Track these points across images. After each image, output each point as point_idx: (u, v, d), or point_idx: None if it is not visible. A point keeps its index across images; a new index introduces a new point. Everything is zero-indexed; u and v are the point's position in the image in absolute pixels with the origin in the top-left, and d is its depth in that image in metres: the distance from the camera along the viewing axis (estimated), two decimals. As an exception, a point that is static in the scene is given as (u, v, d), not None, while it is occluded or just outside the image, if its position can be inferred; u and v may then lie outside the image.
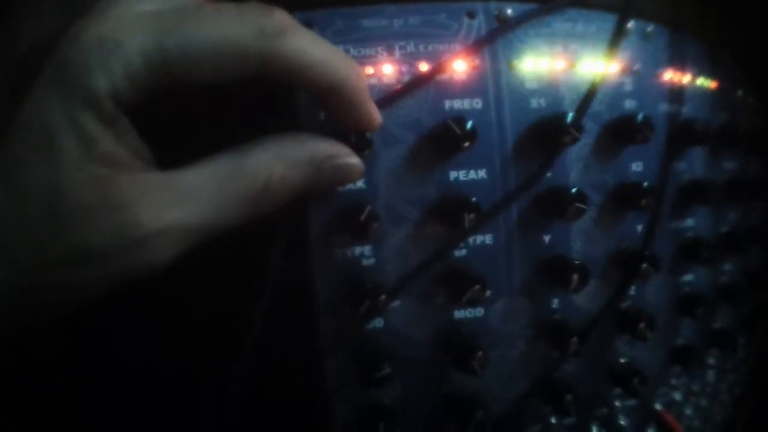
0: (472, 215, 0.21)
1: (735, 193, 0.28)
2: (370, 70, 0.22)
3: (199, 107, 0.23)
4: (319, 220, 0.22)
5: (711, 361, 0.30)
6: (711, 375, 0.30)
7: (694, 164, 0.27)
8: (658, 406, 0.28)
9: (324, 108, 0.21)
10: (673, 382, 0.28)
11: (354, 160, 0.20)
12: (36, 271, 0.16)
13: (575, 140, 0.22)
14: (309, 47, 0.18)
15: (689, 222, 0.26)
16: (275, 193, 0.18)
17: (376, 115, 0.20)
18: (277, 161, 0.18)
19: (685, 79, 0.26)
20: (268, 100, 0.23)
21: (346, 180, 0.20)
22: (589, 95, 0.23)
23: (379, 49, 0.22)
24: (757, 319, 0.31)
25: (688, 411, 0.30)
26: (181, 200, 0.17)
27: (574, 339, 0.23)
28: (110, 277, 0.17)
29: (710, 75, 0.28)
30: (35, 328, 0.18)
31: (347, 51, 0.22)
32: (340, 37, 0.22)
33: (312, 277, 0.22)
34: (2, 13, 0.22)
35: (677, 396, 0.28)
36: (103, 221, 0.16)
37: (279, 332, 0.24)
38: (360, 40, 0.22)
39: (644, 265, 0.24)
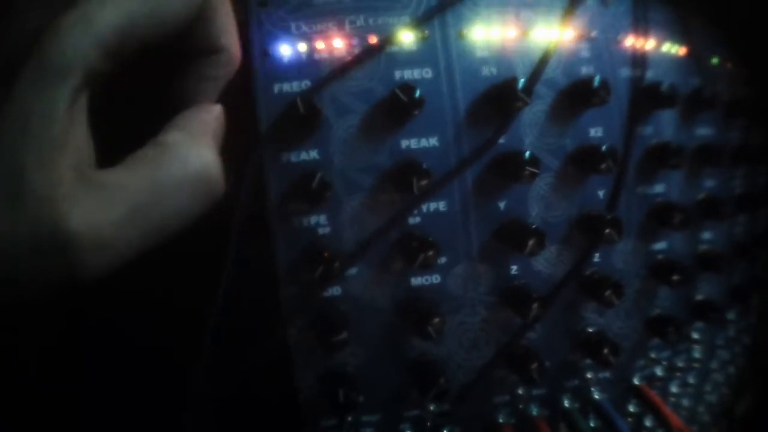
0: (423, 181, 0.21)
1: (711, 159, 0.27)
2: (321, 44, 0.23)
3: (158, 96, 0.24)
4: (277, 192, 0.23)
5: (696, 335, 0.29)
6: (698, 351, 0.29)
7: (662, 129, 0.26)
8: (636, 381, 0.27)
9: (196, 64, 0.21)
10: (653, 355, 0.27)
11: (217, 106, 0.21)
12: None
13: (526, 104, 0.22)
14: None
15: (659, 188, 0.26)
16: (216, 172, 0.19)
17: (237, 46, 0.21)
18: (199, 143, 0.19)
19: (649, 44, 0.26)
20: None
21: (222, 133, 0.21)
22: (542, 62, 0.23)
23: (330, 24, 0.23)
24: (748, 293, 0.30)
25: (674, 388, 0.29)
26: (110, 205, 0.17)
27: (535, 305, 0.23)
28: (48, 276, 0.16)
29: (679, 41, 0.27)
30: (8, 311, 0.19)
31: (299, 27, 0.23)
32: (293, 14, 0.23)
33: (273, 248, 0.23)
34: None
35: (659, 371, 0.28)
36: (42, 211, 0.16)
37: (244, 306, 0.25)
38: (311, 16, 0.23)
39: (607, 230, 0.23)
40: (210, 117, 0.21)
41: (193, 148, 0.19)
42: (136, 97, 0.23)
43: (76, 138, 0.18)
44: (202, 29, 0.20)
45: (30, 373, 0.31)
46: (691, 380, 0.29)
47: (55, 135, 0.17)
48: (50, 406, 0.30)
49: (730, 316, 0.30)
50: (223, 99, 0.24)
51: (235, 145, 0.23)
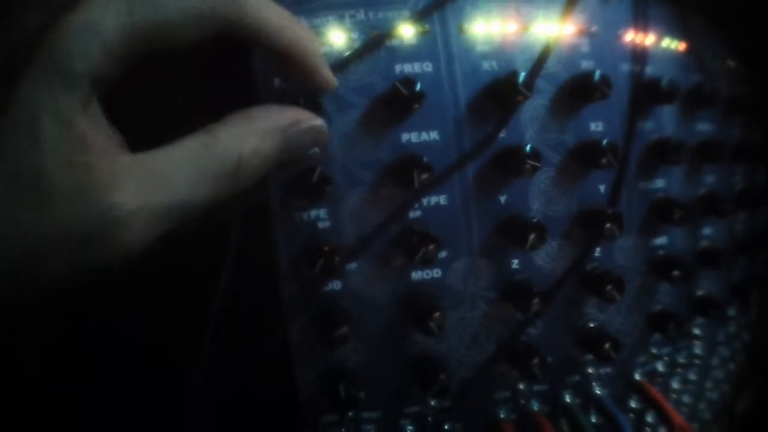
0: (423, 175, 0.21)
1: (711, 155, 0.27)
2: (321, 38, 0.23)
3: (165, 90, 0.24)
4: (279, 186, 0.23)
5: (697, 331, 0.29)
6: (699, 347, 0.29)
7: (663, 124, 0.26)
8: (638, 376, 0.27)
9: (283, 72, 0.22)
10: (654, 351, 0.27)
11: (318, 122, 0.21)
12: (17, 258, 0.17)
13: (526, 99, 0.22)
14: (266, 9, 0.19)
15: (659, 183, 0.26)
16: (249, 166, 0.19)
17: (331, 79, 0.21)
18: (246, 135, 0.19)
19: (649, 40, 0.26)
20: (225, 72, 0.24)
21: (313, 143, 0.21)
22: (542, 56, 0.23)
23: (330, 18, 0.23)
24: (748, 290, 0.30)
25: (675, 384, 0.29)
26: (153, 181, 0.18)
27: (536, 300, 0.22)
28: (86, 262, 0.17)
29: (679, 37, 0.27)
30: (14, 314, 0.19)
31: (300, 22, 0.23)
32: (294, 9, 0.23)
33: (274, 244, 0.23)
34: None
35: (660, 367, 0.28)
36: (77, 205, 0.17)
37: (245, 305, 0.25)
38: (312, 11, 0.23)
39: (608, 225, 0.23)
40: (272, 120, 0.20)
41: (229, 139, 0.19)
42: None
43: (94, 133, 0.18)
44: (241, 28, 0.19)
45: (30, 373, 0.31)
46: (692, 377, 0.29)
47: (69, 135, 0.17)
48: (50, 406, 0.30)
49: (731, 312, 0.30)
50: (222, 94, 0.24)
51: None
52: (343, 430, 0.24)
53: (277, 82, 0.22)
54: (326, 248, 0.22)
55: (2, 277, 0.17)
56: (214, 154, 0.19)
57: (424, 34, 0.23)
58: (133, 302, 0.29)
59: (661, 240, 0.26)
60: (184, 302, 0.27)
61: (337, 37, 0.23)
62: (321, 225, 0.23)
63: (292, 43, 0.19)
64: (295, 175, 0.22)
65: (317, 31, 0.23)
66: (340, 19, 0.23)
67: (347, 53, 0.22)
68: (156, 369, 0.29)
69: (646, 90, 0.25)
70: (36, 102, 0.17)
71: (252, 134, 0.19)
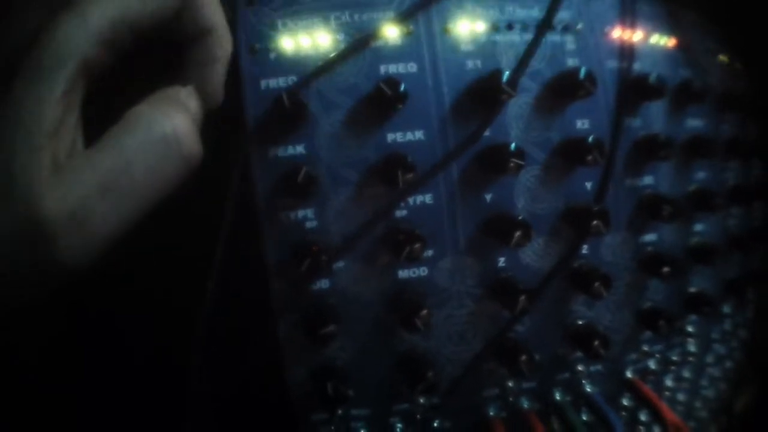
0: (408, 175, 0.22)
1: (702, 151, 0.27)
2: (307, 40, 0.23)
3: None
4: (265, 187, 0.23)
5: (691, 329, 0.28)
6: (692, 344, 0.29)
7: (651, 121, 0.26)
8: (629, 374, 0.27)
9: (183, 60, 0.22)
10: (646, 348, 0.27)
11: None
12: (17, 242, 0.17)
13: (511, 97, 0.22)
14: None
15: (647, 179, 0.26)
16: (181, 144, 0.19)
17: (221, 90, 0.22)
18: (152, 104, 0.19)
19: (637, 36, 0.26)
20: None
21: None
22: (526, 54, 0.23)
23: (316, 20, 0.23)
24: (743, 286, 0.29)
25: (669, 382, 0.29)
26: (79, 178, 0.17)
27: (522, 297, 0.23)
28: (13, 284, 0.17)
29: (668, 32, 0.27)
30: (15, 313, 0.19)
31: (285, 24, 0.23)
32: (279, 11, 0.23)
33: (262, 244, 0.23)
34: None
35: (652, 364, 0.27)
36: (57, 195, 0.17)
37: (235, 302, 0.25)
38: (297, 13, 0.23)
39: (594, 222, 0.23)
40: (179, 92, 0.21)
41: (159, 113, 0.19)
42: (135, 90, 0.23)
43: (66, 128, 0.18)
44: (188, 14, 0.20)
45: (30, 373, 0.31)
46: (686, 374, 0.29)
47: (45, 129, 0.17)
48: (50, 406, 0.30)
49: (726, 309, 0.30)
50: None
51: (224, 141, 0.24)
52: (333, 428, 0.24)
53: (263, 84, 0.23)
54: (314, 247, 0.22)
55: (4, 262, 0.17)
56: (135, 131, 0.19)
57: (408, 35, 0.23)
58: (133, 302, 0.29)
59: (650, 236, 0.26)
60: (184, 302, 0.27)
61: (323, 39, 0.23)
62: (308, 225, 0.23)
63: (210, 26, 0.21)
64: (280, 175, 0.22)
65: (302, 32, 0.23)
66: (326, 20, 0.23)
67: (332, 54, 0.23)
68: (155, 369, 0.29)
69: (634, 86, 0.25)
70: (23, 96, 0.17)
71: (168, 106, 0.20)
